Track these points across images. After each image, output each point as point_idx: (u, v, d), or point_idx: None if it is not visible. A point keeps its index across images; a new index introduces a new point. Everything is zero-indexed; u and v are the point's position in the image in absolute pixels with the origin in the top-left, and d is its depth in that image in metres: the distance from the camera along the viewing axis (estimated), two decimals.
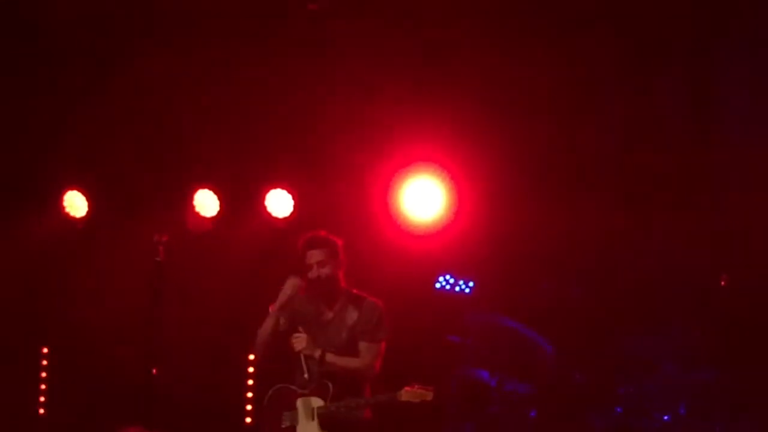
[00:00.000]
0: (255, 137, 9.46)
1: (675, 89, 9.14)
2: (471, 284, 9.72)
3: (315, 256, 7.40)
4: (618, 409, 8.98)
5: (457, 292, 9.71)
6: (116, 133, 9.57)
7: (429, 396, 7.19)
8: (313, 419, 7.25)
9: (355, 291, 7.52)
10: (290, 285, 7.32)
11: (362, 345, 7.40)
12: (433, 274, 9.71)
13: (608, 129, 9.14)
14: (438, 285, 9.71)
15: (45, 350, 10.37)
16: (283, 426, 7.36)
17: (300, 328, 7.34)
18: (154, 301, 7.54)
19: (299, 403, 7.32)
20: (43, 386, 10.35)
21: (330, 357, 7.31)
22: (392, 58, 9.11)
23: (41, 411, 10.33)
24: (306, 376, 7.29)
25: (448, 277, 9.71)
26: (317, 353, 7.29)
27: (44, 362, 10.37)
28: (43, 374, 10.36)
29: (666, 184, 9.17)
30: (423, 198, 9.26)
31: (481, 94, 9.07)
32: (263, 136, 9.45)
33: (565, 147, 9.16)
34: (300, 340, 7.31)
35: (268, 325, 7.38)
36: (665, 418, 8.91)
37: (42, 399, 10.33)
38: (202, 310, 9.37)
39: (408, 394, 7.16)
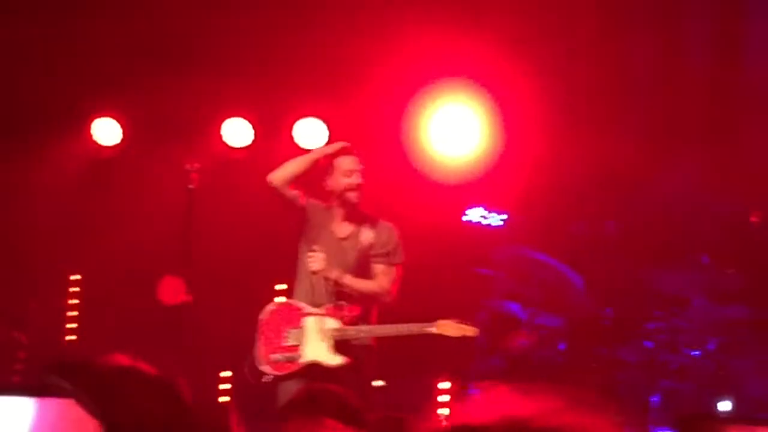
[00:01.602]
0: (287, 65, 9.39)
1: (705, 26, 9.05)
2: (503, 217, 9.70)
3: (356, 163, 7.15)
4: (648, 344, 8.95)
5: (488, 225, 9.69)
6: (148, 59, 9.52)
7: (471, 332, 7.07)
8: (323, 340, 6.98)
9: (368, 211, 7.26)
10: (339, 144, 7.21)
11: (379, 268, 7.17)
12: (463, 206, 9.68)
13: (643, 63, 9.05)
14: (469, 217, 9.68)
15: (75, 278, 10.40)
16: (286, 344, 7.05)
17: (315, 247, 7.09)
18: (185, 228, 7.53)
19: (308, 322, 7.04)
20: (73, 313, 10.39)
21: (348, 279, 7.05)
22: None
23: (71, 338, 10.38)
24: (320, 296, 7.05)
25: (480, 209, 9.68)
26: (334, 274, 7.04)
27: (74, 290, 10.40)
28: (73, 302, 10.40)
29: (700, 119, 9.11)
30: (456, 128, 9.20)
31: (517, 19, 8.97)
32: (296, 63, 9.37)
33: (600, 81, 9.08)
34: (317, 260, 7.04)
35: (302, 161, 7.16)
36: (695, 353, 8.88)
37: (72, 326, 10.38)
38: (234, 239, 9.36)
39: (444, 326, 6.99)
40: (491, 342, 9.25)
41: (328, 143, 7.98)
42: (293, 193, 7.13)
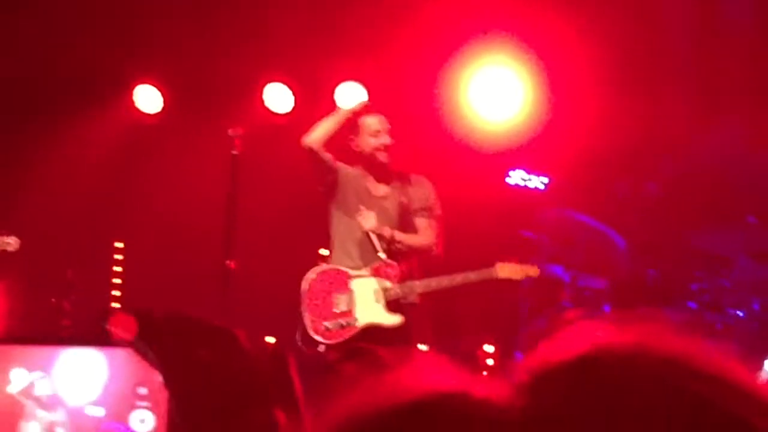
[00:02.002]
0: (327, 28, 9.35)
1: None
2: (544, 179, 9.64)
3: (383, 123, 7.11)
4: (691, 305, 8.90)
5: (531, 187, 9.64)
6: (189, 25, 9.51)
7: (533, 271, 6.99)
8: (377, 301, 6.93)
9: (398, 168, 7.19)
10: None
11: (422, 222, 7.12)
12: (505, 168, 9.63)
13: (688, 23, 8.96)
14: (511, 180, 9.63)
15: (119, 245, 10.44)
16: (337, 310, 7.00)
17: (361, 206, 7.03)
18: (230, 194, 7.52)
19: (356, 284, 6.99)
20: (117, 281, 10.43)
21: (399, 235, 7.01)
22: None
23: (116, 305, 10.43)
24: (364, 257, 6.98)
25: (521, 172, 9.62)
26: (387, 231, 6.99)
27: (118, 257, 10.45)
28: (117, 269, 10.45)
29: (745, 79, 9.02)
30: (497, 91, 9.14)
31: None
32: (335, 26, 9.33)
33: (643, 41, 9.01)
34: (368, 218, 6.98)
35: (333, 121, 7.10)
36: (739, 313, 8.83)
37: (116, 294, 10.43)
38: (277, 204, 9.37)
39: (505, 269, 6.94)
40: (534, 305, 9.24)
41: None
42: (328, 155, 7.07)
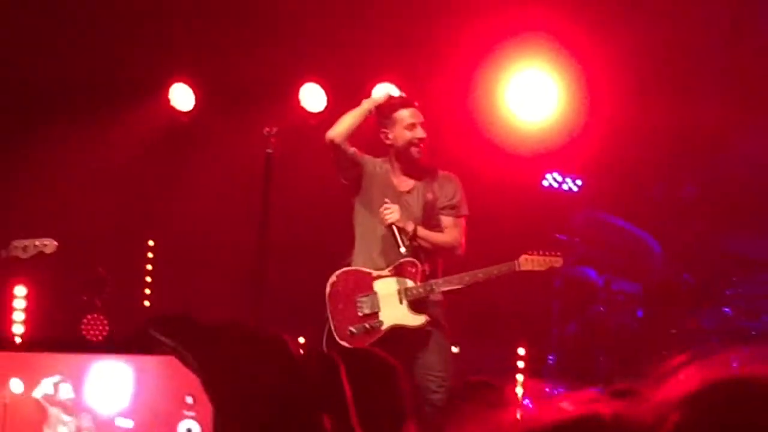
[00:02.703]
0: (361, 28, 9.32)
1: None
2: (579, 182, 9.60)
3: (417, 115, 6.92)
4: (726, 310, 8.83)
5: (564, 189, 9.59)
6: (223, 24, 9.51)
7: (558, 262, 6.87)
8: (402, 302, 6.75)
9: (426, 163, 6.98)
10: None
11: (447, 220, 6.91)
12: (540, 171, 9.59)
13: (723, 23, 8.89)
14: (545, 183, 9.59)
15: (151, 243, 10.45)
16: (362, 313, 6.79)
17: (386, 200, 6.82)
18: (265, 192, 7.49)
19: (379, 285, 6.81)
20: (148, 279, 10.45)
21: (423, 231, 6.79)
22: None
23: (147, 303, 10.45)
24: (387, 254, 6.80)
25: (555, 174, 9.58)
26: (411, 226, 6.75)
27: (151, 255, 10.46)
28: (149, 267, 10.46)
29: None
30: (533, 93, 9.09)
31: None
32: (368, 28, 9.31)
33: (678, 42, 8.94)
34: (393, 211, 6.73)
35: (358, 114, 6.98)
36: None
37: (148, 291, 10.44)
38: (312, 204, 9.35)
39: (530, 262, 6.78)
40: (567, 307, 9.19)
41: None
42: (352, 149, 6.96)
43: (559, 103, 9.09)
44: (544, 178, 9.58)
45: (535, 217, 9.24)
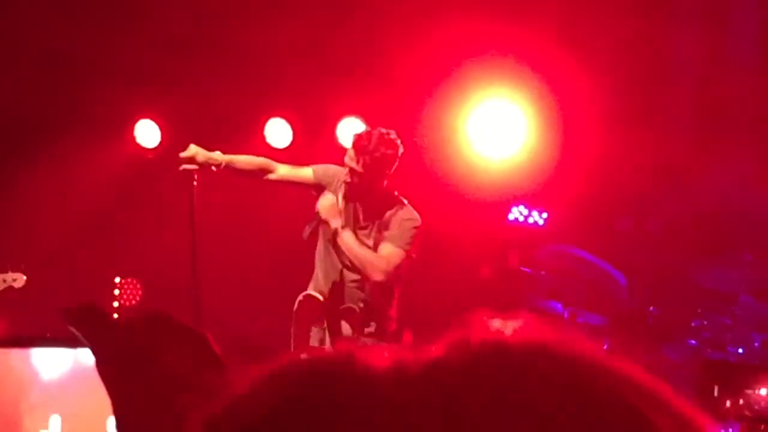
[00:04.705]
0: (325, 65, 9.36)
1: (754, 18, 8.94)
2: (545, 215, 9.63)
3: (347, 159, 6.60)
4: (692, 342, 8.86)
5: (530, 223, 9.62)
6: (188, 60, 9.53)
7: None
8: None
9: (399, 197, 6.70)
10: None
11: (382, 245, 6.54)
12: (505, 204, 9.60)
13: (692, 56, 8.95)
14: (511, 216, 9.61)
15: (117, 279, 10.44)
16: (312, 344, 6.62)
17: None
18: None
19: (328, 323, 6.62)
20: (116, 315, 10.41)
21: (347, 235, 6.50)
22: None
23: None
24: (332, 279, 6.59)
25: (521, 208, 9.61)
26: (335, 223, 6.48)
27: (117, 291, 10.44)
28: (116, 303, 10.44)
29: (748, 114, 9.00)
30: (498, 125, 9.10)
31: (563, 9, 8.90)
32: (333, 64, 9.35)
33: (644, 74, 9.00)
34: (326, 198, 6.53)
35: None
36: (740, 351, 8.78)
37: None
38: (273, 243, 9.34)
39: None
40: None
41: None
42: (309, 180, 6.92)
43: (527, 136, 9.08)
44: (510, 212, 9.61)
45: (500, 250, 9.26)
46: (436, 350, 0.97)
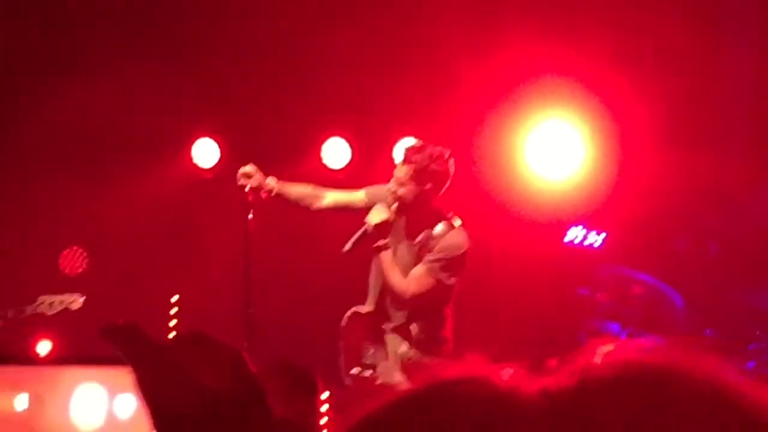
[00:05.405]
0: (384, 85, 9.38)
1: None
2: (602, 236, 9.57)
3: (397, 171, 6.63)
4: (750, 365, 8.78)
5: (587, 244, 9.57)
6: (248, 80, 9.59)
7: None
8: (396, 363, 6.60)
9: (452, 217, 6.67)
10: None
11: (417, 267, 6.54)
12: (562, 225, 9.57)
13: (748, 82, 8.89)
14: (568, 238, 9.57)
15: (175, 298, 10.47)
16: (365, 361, 6.70)
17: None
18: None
19: (387, 339, 6.64)
20: (174, 334, 10.44)
21: (384, 254, 6.53)
22: None
23: None
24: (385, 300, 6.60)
25: (578, 229, 9.56)
26: (382, 241, 6.51)
27: (175, 310, 10.47)
28: (173, 322, 10.47)
29: None
30: (555, 147, 9.10)
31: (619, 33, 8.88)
32: (392, 84, 9.36)
33: (704, 97, 8.94)
34: (378, 210, 6.54)
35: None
36: None
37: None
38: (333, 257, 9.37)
39: None
40: None
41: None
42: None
43: (584, 157, 9.07)
44: (567, 233, 9.56)
45: (558, 272, 9.22)
46: (564, 374, 0.97)
